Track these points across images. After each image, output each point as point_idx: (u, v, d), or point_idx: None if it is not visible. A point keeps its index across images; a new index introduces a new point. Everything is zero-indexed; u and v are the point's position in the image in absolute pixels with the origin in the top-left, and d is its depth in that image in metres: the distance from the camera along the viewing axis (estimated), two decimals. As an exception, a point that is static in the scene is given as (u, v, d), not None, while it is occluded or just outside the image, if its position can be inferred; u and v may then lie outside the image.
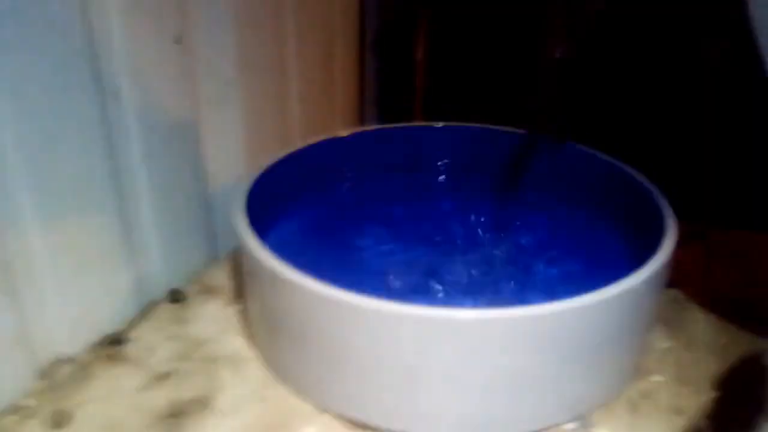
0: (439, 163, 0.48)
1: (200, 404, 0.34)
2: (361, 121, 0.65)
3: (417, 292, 0.34)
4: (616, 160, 0.42)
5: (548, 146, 0.40)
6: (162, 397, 0.34)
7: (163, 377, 0.36)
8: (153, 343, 0.38)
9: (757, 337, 0.39)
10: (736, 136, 0.54)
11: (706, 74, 0.53)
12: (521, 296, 0.34)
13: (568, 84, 0.37)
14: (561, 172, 0.45)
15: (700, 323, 0.41)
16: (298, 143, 0.45)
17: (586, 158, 0.43)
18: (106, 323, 0.39)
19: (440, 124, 0.50)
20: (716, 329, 0.40)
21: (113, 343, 0.38)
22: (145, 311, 0.41)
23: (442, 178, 0.47)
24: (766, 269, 0.47)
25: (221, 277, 0.44)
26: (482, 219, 0.43)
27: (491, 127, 0.48)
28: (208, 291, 0.43)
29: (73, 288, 0.36)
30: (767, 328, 0.40)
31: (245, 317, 0.39)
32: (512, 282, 0.35)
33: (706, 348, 0.39)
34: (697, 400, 0.35)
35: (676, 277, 0.43)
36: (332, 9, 0.53)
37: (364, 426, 0.32)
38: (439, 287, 0.34)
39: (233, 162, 0.46)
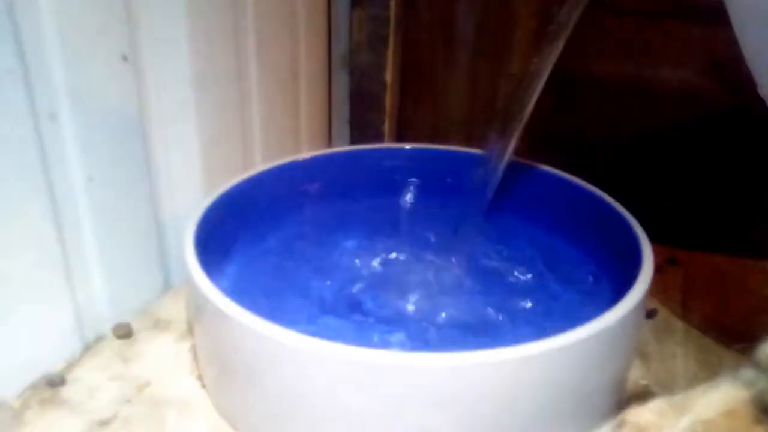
0: (406, 186, 0.46)
1: (142, 454, 0.31)
2: (330, 142, 0.63)
3: (378, 329, 0.32)
4: (589, 184, 0.41)
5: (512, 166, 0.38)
6: (100, 446, 0.31)
7: (104, 423, 0.33)
8: (94, 384, 0.35)
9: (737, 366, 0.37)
10: (710, 156, 0.53)
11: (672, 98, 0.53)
12: (489, 333, 0.32)
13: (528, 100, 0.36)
14: (531, 195, 0.43)
15: (679, 358, 0.39)
16: (259, 166, 0.43)
17: (559, 183, 0.41)
18: (43, 363, 0.36)
19: (408, 146, 0.48)
20: (695, 362, 0.38)
21: (50, 384, 0.35)
22: (87, 348, 0.38)
23: (409, 201, 0.45)
24: (743, 295, 0.45)
25: (173, 308, 0.41)
26: (451, 245, 0.41)
27: (461, 149, 0.46)
28: (158, 325, 0.40)
29: (4, 326, 0.33)
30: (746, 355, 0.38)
31: (196, 354, 0.36)
32: (479, 316, 0.33)
33: (686, 384, 0.37)
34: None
35: (650, 306, 0.42)
36: (297, 26, 0.51)
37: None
38: (404, 326, 0.32)
39: (189, 186, 0.43)
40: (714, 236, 0.54)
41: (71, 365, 0.36)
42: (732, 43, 0.51)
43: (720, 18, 0.51)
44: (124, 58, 0.36)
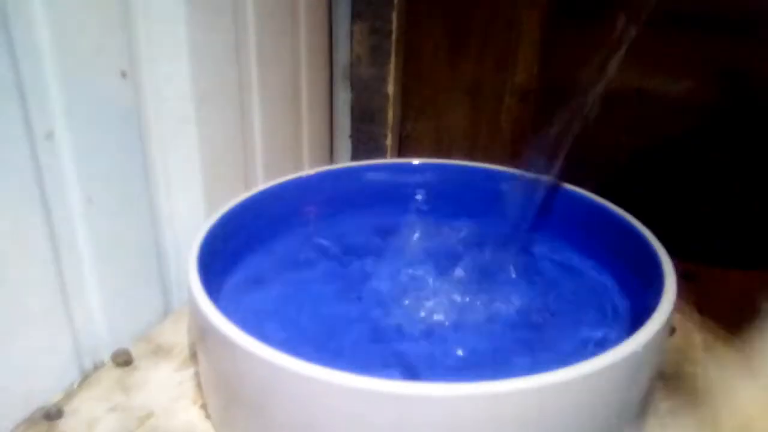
0: (412, 203, 0.45)
1: (144, 491, 0.29)
2: (332, 156, 0.62)
3: (392, 356, 0.30)
4: (601, 198, 0.39)
5: (537, 185, 0.37)
6: (99, 483, 0.30)
7: (103, 457, 0.31)
8: (93, 415, 0.33)
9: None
10: (719, 167, 0.53)
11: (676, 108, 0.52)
12: (504, 359, 0.31)
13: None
14: (548, 213, 0.42)
15: (699, 378, 0.38)
16: (261, 184, 0.41)
17: (577, 200, 0.40)
18: (40, 394, 0.34)
19: (416, 161, 0.46)
20: (718, 381, 0.37)
21: (47, 417, 0.33)
22: (85, 377, 0.36)
23: (415, 218, 0.44)
24: (761, 311, 0.44)
25: (175, 333, 0.40)
26: (463, 264, 0.39)
27: (471, 164, 0.45)
28: (159, 351, 0.38)
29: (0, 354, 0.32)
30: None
31: (200, 382, 0.35)
32: (500, 342, 0.31)
33: (710, 405, 0.35)
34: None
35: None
36: (298, 40, 0.50)
37: None
38: (419, 353, 0.31)
39: (190, 205, 0.42)
40: (728, 250, 0.53)
41: (69, 396, 0.35)
42: (737, 52, 0.50)
43: (724, 27, 0.50)
44: (123, 75, 0.35)
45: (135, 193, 0.38)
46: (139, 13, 0.35)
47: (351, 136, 0.62)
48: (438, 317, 0.32)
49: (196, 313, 0.30)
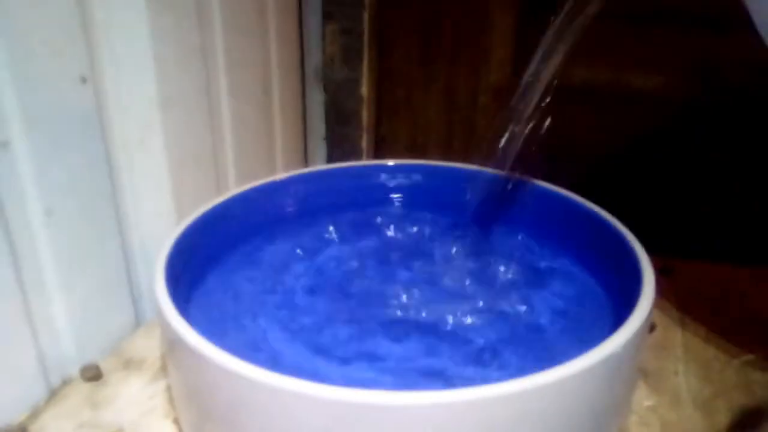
0: (387, 205, 0.44)
1: None
2: (306, 159, 0.61)
3: (366, 363, 0.30)
4: (576, 194, 0.39)
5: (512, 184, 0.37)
6: (66, 506, 0.29)
7: (70, 478, 0.30)
8: (60, 434, 0.32)
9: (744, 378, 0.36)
10: (694, 161, 0.53)
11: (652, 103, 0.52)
12: (479, 360, 0.30)
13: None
14: (523, 210, 0.41)
15: (681, 375, 0.37)
16: (233, 189, 0.40)
17: (551, 197, 0.40)
18: (3, 413, 0.33)
19: (391, 162, 0.46)
20: (698, 378, 0.37)
21: (11, 437, 0.32)
22: (53, 394, 0.35)
23: (392, 221, 0.43)
24: (741, 305, 0.44)
25: (146, 346, 0.38)
26: (440, 265, 0.39)
27: (446, 164, 0.44)
28: (130, 364, 0.37)
29: (-42, 376, 0.30)
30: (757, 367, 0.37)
31: (172, 396, 0.34)
32: (475, 345, 0.31)
33: (691, 403, 0.35)
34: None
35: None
36: (266, 42, 0.49)
37: None
38: (392, 360, 0.30)
39: (159, 213, 0.40)
40: (704, 244, 0.53)
41: (35, 414, 0.33)
42: (713, 47, 0.50)
43: (701, 22, 0.50)
44: (83, 80, 0.34)
45: (99, 202, 0.36)
46: (99, 15, 0.34)
47: (326, 139, 0.61)
48: (412, 319, 0.32)
49: (163, 325, 0.28)
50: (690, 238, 0.53)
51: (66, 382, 0.36)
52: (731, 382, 0.37)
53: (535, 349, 0.31)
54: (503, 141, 0.34)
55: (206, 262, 0.37)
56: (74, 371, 0.36)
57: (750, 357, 0.38)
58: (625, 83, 0.53)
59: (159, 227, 0.40)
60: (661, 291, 0.30)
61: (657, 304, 0.28)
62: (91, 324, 0.37)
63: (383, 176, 0.45)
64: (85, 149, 0.35)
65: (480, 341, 0.31)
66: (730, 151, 0.52)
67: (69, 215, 0.34)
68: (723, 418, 0.34)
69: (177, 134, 0.40)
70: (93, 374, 0.36)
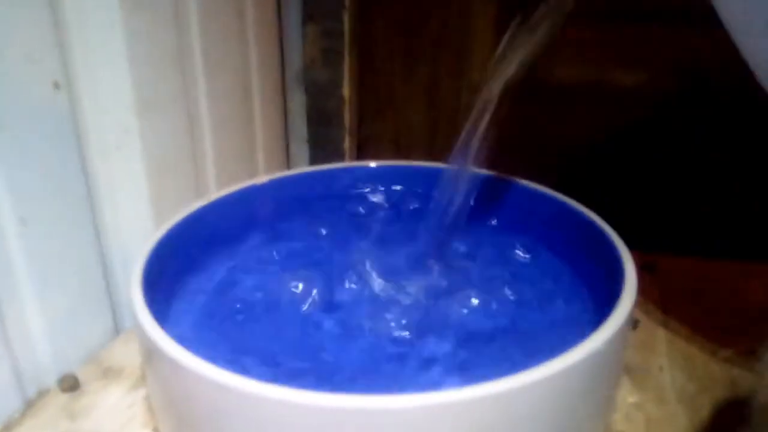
0: (371, 208, 0.44)
1: None
2: (288, 162, 0.60)
3: (347, 370, 0.29)
4: (556, 191, 0.39)
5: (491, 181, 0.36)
6: None
7: (49, 491, 0.29)
8: (37, 446, 0.32)
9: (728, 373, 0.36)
10: (677, 157, 0.53)
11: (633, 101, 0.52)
12: (461, 358, 0.30)
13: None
14: (503, 208, 0.41)
15: (665, 371, 0.37)
16: (213, 193, 0.40)
17: (527, 193, 0.40)
18: (-21, 426, 0.32)
19: (373, 164, 0.45)
20: (683, 374, 0.37)
21: (-14, 451, 0.31)
22: (29, 405, 0.34)
23: (375, 223, 0.43)
24: (723, 298, 0.44)
25: (125, 354, 0.38)
26: (424, 264, 0.38)
27: (429, 164, 0.44)
28: (109, 373, 0.36)
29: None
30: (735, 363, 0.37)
31: (152, 405, 0.33)
32: (457, 346, 0.30)
33: (675, 399, 0.35)
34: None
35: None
36: (246, 43, 0.48)
37: None
38: (374, 364, 0.29)
39: (137, 220, 0.40)
40: (686, 239, 0.53)
41: (9, 426, 0.33)
42: (693, 44, 0.50)
43: (681, 19, 0.50)
44: (56, 86, 0.33)
45: (76, 209, 0.36)
46: (72, 18, 0.34)
47: (308, 141, 0.61)
48: (397, 324, 0.31)
49: (140, 333, 0.28)
50: (690, 238, 0.53)
51: (42, 393, 0.35)
52: (715, 377, 0.37)
53: (516, 348, 0.30)
54: (463, 135, 0.34)
55: (185, 268, 0.36)
56: (51, 382, 0.36)
57: (728, 352, 0.38)
58: (609, 81, 0.53)
59: (137, 234, 0.39)
60: (644, 287, 0.30)
61: (640, 301, 0.28)
62: (69, 333, 0.36)
63: (364, 178, 0.44)
64: (61, 156, 0.34)
65: (460, 339, 0.31)
66: (729, 151, 0.52)
67: (44, 223, 0.33)
68: (707, 414, 0.34)
69: (155, 139, 0.39)
70: (70, 384, 0.35)
